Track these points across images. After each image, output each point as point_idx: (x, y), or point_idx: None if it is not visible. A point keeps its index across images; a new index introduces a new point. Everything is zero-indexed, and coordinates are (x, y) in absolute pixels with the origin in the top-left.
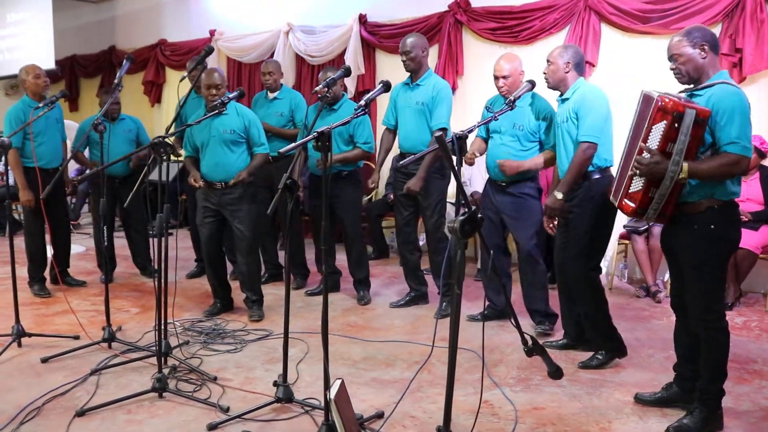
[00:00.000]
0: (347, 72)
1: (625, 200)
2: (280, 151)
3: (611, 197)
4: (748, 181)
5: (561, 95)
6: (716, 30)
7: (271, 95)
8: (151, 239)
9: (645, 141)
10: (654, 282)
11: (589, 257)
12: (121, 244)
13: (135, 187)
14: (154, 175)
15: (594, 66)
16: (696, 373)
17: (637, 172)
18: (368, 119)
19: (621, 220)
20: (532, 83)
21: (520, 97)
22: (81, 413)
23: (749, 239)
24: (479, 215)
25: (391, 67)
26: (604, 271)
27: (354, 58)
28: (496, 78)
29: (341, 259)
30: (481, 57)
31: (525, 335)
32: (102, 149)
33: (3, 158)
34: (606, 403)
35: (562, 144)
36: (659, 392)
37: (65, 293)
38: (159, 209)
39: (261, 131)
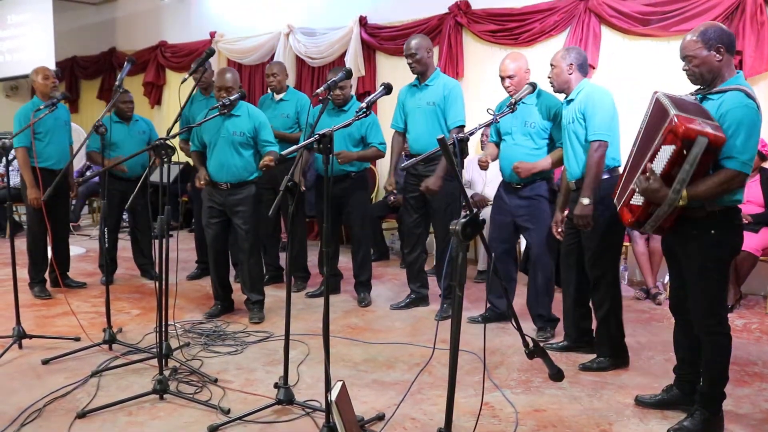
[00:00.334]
0: (348, 74)
1: (625, 209)
2: (282, 153)
3: (615, 198)
4: (748, 183)
5: (566, 97)
6: None
7: (277, 97)
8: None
9: (652, 160)
10: (654, 284)
11: (607, 260)
12: (121, 245)
13: (136, 189)
14: (155, 176)
15: (594, 68)
16: (696, 376)
17: (638, 190)
18: (378, 120)
19: None
20: (533, 85)
21: (521, 99)
22: (82, 415)
23: (749, 241)
24: (481, 218)
25: (391, 69)
26: None
27: (354, 60)
28: (502, 78)
29: (343, 260)
30: (482, 59)
31: (526, 337)
32: (103, 150)
33: (3, 160)
34: (607, 405)
35: (570, 145)
36: (660, 394)
37: (66, 295)
38: (160, 211)
39: (270, 132)
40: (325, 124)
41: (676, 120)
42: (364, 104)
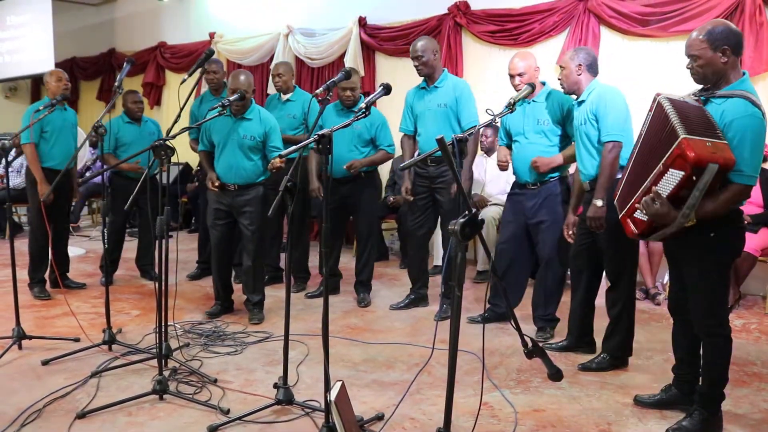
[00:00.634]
0: (347, 75)
1: (629, 221)
2: (282, 153)
3: (615, 202)
4: None
5: (577, 98)
6: None
7: (284, 97)
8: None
9: (657, 182)
10: (653, 284)
11: (624, 260)
12: (125, 246)
13: (135, 190)
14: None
15: None
16: (695, 376)
17: (644, 212)
18: (387, 122)
19: None
20: (532, 86)
21: (519, 100)
22: (82, 415)
23: (748, 242)
24: (480, 218)
25: (390, 70)
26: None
27: (354, 61)
28: (512, 76)
29: (343, 261)
30: (481, 59)
31: (525, 337)
32: (102, 150)
33: (3, 161)
34: (606, 405)
35: (582, 146)
36: (658, 394)
37: (65, 296)
38: (159, 211)
39: (279, 138)
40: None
41: (686, 144)
42: (362, 104)
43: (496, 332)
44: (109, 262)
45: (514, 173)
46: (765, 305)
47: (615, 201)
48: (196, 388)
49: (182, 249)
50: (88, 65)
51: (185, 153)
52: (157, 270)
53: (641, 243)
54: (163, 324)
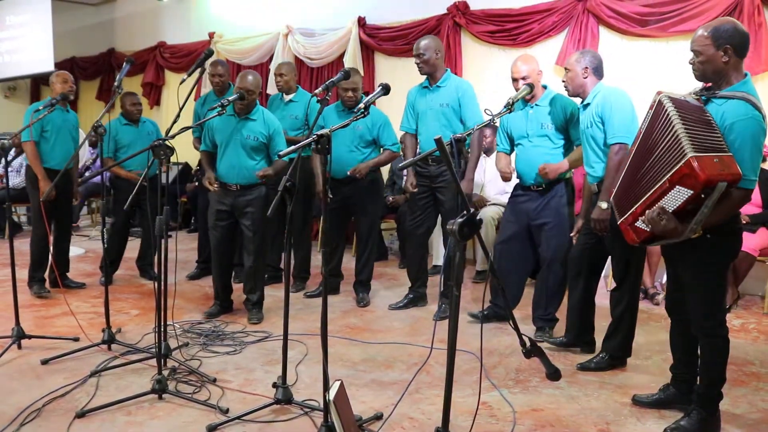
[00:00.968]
0: (346, 75)
1: (629, 229)
2: (281, 153)
3: (613, 203)
4: None
5: (582, 101)
6: None
7: (286, 98)
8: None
9: (661, 197)
10: (652, 284)
11: (635, 259)
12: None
13: (135, 189)
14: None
15: None
16: (693, 375)
17: (648, 226)
18: (389, 121)
19: None
20: (531, 87)
21: (518, 100)
22: (81, 415)
23: (747, 242)
24: (478, 218)
25: (390, 70)
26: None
27: (353, 61)
28: (515, 80)
29: (344, 260)
30: (480, 60)
31: (523, 337)
32: (102, 150)
33: (2, 160)
34: (604, 405)
35: (589, 149)
36: (657, 394)
37: (65, 295)
38: (158, 211)
39: (283, 140)
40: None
41: (696, 165)
42: (361, 104)
43: (494, 332)
44: (109, 262)
45: (518, 176)
46: (763, 305)
47: (612, 199)
48: (196, 387)
49: (181, 249)
50: (88, 65)
51: (184, 153)
52: (156, 270)
53: None
54: (162, 323)
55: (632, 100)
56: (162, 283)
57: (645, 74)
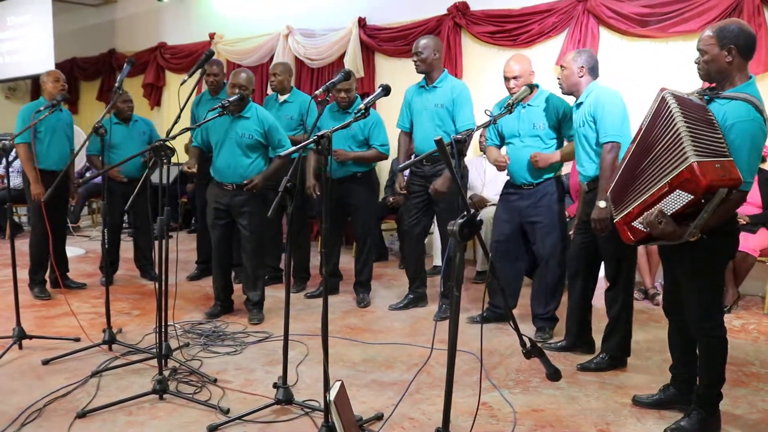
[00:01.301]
0: (347, 76)
1: (626, 229)
2: (281, 153)
3: (611, 200)
4: None
5: (576, 100)
6: None
7: (281, 98)
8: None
9: (660, 200)
10: (652, 284)
11: (627, 258)
12: (123, 246)
13: (136, 190)
14: (154, 178)
15: None
16: (692, 375)
17: (646, 229)
18: (382, 121)
19: None
20: (531, 87)
21: (518, 100)
22: (82, 415)
23: (747, 242)
24: (478, 218)
25: (390, 70)
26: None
27: (353, 62)
28: (507, 79)
29: (343, 261)
30: (480, 60)
31: (523, 337)
32: (103, 152)
33: (3, 161)
34: (604, 405)
35: (581, 148)
36: (657, 394)
37: (66, 296)
38: (159, 212)
39: (282, 134)
40: (331, 127)
41: (698, 170)
42: (362, 105)
43: (495, 332)
44: (109, 262)
45: (509, 174)
46: (764, 305)
47: (609, 193)
48: (196, 387)
49: (182, 249)
50: (88, 66)
51: (185, 153)
52: (157, 270)
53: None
54: (163, 324)
55: (627, 100)
56: (163, 283)
57: (645, 75)
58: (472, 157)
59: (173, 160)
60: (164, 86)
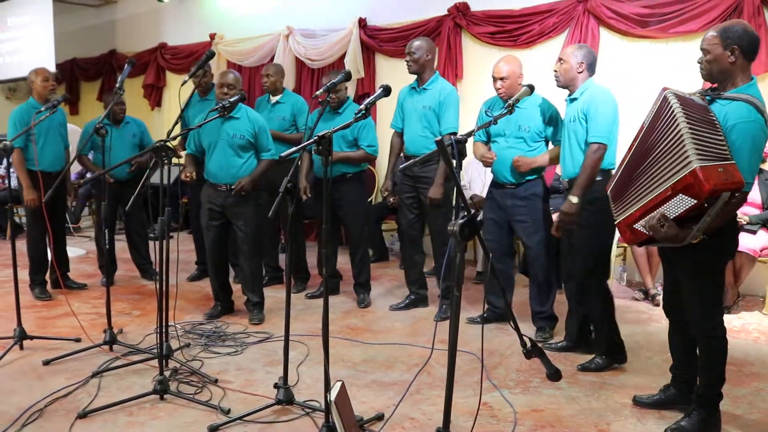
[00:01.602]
0: (347, 76)
1: (627, 231)
2: (282, 155)
3: (611, 198)
4: None
5: (569, 95)
6: None
7: (273, 99)
8: (152, 242)
9: (663, 203)
10: (653, 285)
11: (596, 261)
12: (121, 247)
13: (136, 191)
14: (155, 178)
15: None
16: (692, 376)
17: (649, 232)
18: (372, 122)
19: None
20: (531, 87)
21: (518, 100)
22: (83, 415)
23: (748, 242)
24: (479, 218)
25: (390, 71)
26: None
27: (354, 62)
28: (495, 79)
29: (342, 261)
30: (481, 61)
31: (524, 337)
32: (104, 152)
33: (5, 161)
34: (604, 405)
35: (567, 144)
36: (657, 394)
37: (66, 296)
38: (160, 212)
39: (269, 137)
40: (321, 127)
41: (701, 175)
42: (362, 106)
43: (495, 332)
44: (109, 262)
45: (492, 172)
46: (764, 306)
47: (609, 192)
48: (197, 388)
49: (183, 250)
50: (89, 66)
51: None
52: (157, 270)
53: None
54: (163, 324)
55: (627, 100)
56: (163, 284)
57: (645, 75)
58: (473, 157)
59: (174, 160)
60: (165, 87)
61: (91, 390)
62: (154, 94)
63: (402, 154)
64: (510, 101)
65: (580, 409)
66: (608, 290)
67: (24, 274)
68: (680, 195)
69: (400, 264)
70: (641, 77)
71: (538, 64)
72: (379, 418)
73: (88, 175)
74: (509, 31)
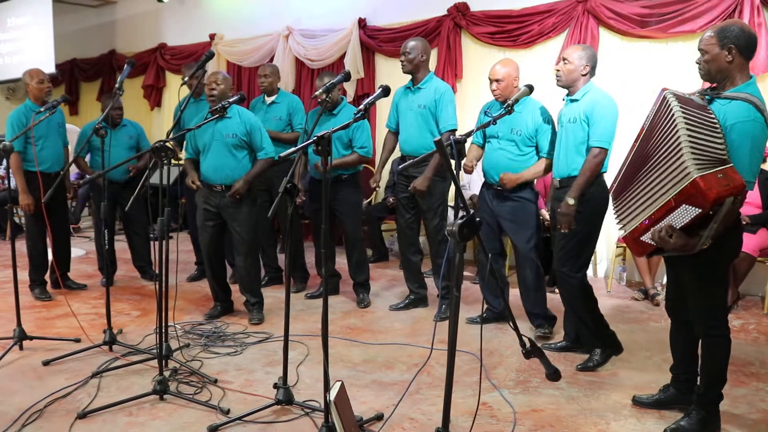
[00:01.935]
0: (347, 77)
1: (635, 245)
2: (281, 155)
3: (612, 200)
4: None
5: (569, 95)
6: None
7: (268, 99)
8: (152, 242)
9: (667, 214)
10: (652, 285)
11: (577, 259)
12: (121, 247)
13: (136, 191)
14: (154, 179)
15: None
16: (692, 376)
17: (656, 243)
18: (367, 124)
19: None
20: (530, 88)
21: (517, 101)
22: (82, 415)
23: (747, 242)
24: (478, 219)
25: (390, 71)
26: (602, 273)
27: (353, 62)
28: (491, 81)
29: (341, 262)
30: (480, 61)
31: (523, 337)
32: (103, 154)
33: (5, 162)
34: (604, 405)
35: (563, 145)
36: (656, 394)
37: (66, 296)
38: (160, 212)
39: (264, 136)
40: (316, 129)
41: (702, 185)
42: (362, 106)
43: (494, 332)
44: (109, 262)
45: (483, 172)
46: (764, 306)
47: (611, 193)
48: (197, 388)
49: (182, 250)
50: (89, 66)
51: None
52: (157, 271)
53: None
54: (163, 325)
55: (627, 101)
56: (163, 284)
57: (645, 75)
58: None
59: (173, 160)
60: (164, 87)
61: (90, 390)
62: (154, 95)
63: (399, 155)
64: (509, 101)
65: (579, 409)
66: (587, 285)
67: (24, 275)
68: (684, 206)
69: (400, 264)
70: (641, 77)
71: (538, 64)
72: (379, 418)
73: (88, 176)
74: (509, 31)
